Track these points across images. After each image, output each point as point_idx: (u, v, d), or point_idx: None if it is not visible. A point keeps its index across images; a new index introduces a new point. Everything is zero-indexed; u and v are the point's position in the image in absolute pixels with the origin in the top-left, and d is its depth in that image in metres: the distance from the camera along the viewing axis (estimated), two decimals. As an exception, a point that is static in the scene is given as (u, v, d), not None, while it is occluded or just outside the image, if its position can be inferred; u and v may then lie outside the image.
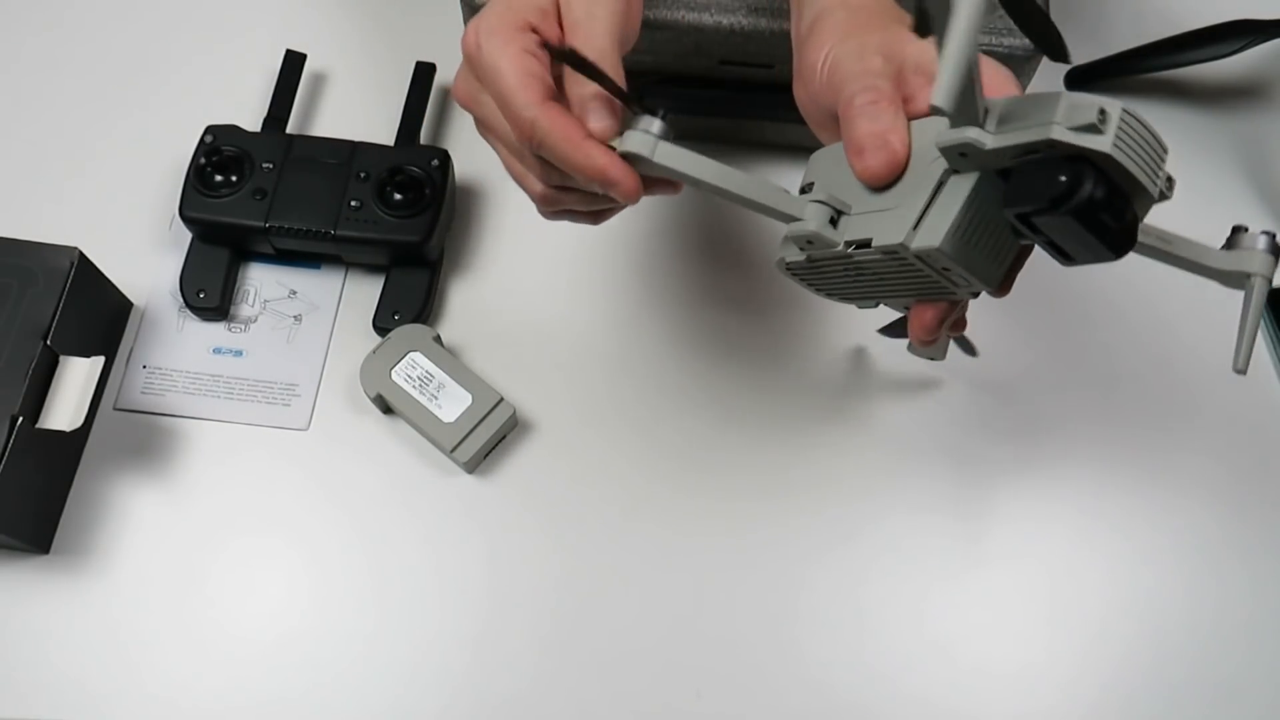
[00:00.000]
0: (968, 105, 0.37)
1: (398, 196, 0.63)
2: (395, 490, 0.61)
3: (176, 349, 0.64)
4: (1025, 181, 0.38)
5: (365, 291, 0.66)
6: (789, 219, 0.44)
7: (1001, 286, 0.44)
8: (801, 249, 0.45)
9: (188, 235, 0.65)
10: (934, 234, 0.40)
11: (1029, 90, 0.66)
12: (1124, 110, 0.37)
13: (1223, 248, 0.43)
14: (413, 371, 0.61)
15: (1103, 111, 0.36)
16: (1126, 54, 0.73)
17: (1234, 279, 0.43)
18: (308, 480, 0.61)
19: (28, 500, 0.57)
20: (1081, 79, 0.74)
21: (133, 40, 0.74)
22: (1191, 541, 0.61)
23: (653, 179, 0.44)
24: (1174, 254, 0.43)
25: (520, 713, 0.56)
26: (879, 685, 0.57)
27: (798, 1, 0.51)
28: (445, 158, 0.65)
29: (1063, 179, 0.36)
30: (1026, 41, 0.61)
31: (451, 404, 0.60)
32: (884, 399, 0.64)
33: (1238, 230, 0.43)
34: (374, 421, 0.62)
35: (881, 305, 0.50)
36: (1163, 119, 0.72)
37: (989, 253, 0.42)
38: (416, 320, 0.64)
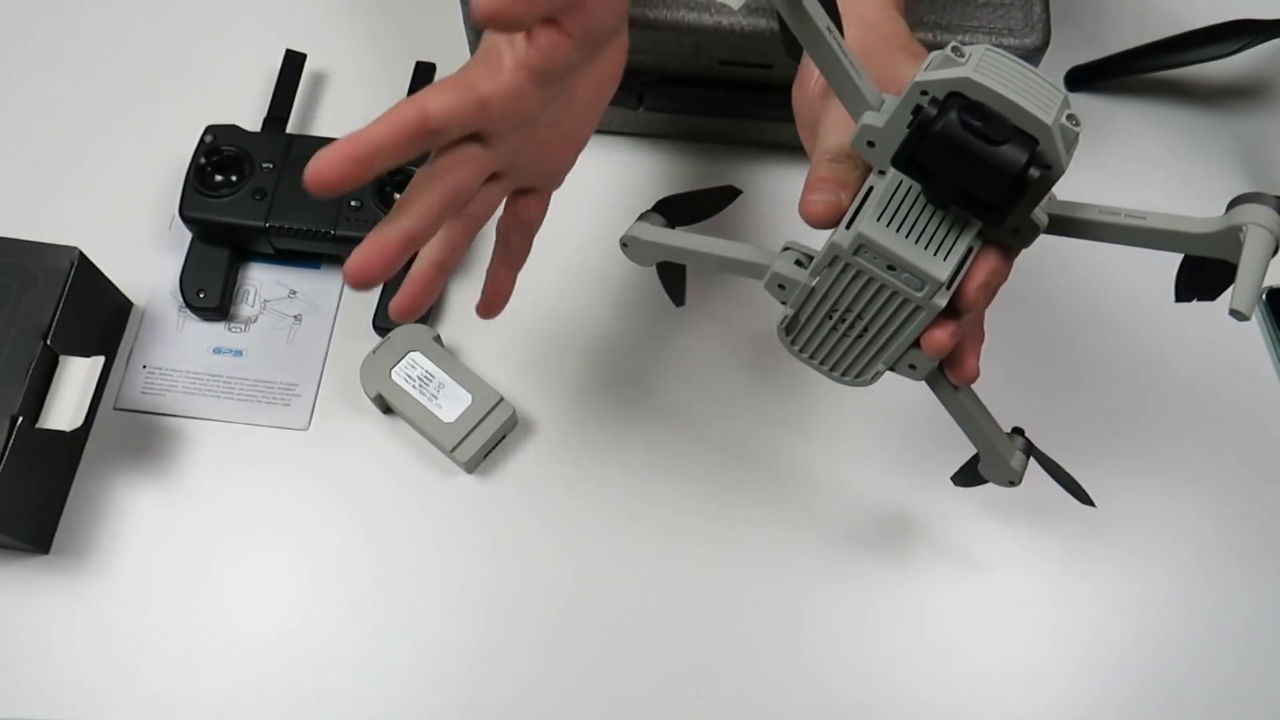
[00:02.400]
0: (853, 98, 0.40)
1: (398, 196, 0.63)
2: (395, 490, 0.61)
3: (176, 349, 0.64)
4: (909, 134, 0.39)
5: (365, 291, 0.66)
6: (764, 270, 0.45)
7: (963, 296, 0.42)
8: (783, 302, 0.46)
9: (188, 235, 0.65)
10: (859, 226, 0.41)
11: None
12: (988, 48, 0.38)
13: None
14: (413, 371, 0.61)
15: (958, 48, 0.38)
16: (1126, 54, 0.73)
17: (1225, 239, 0.40)
18: (307, 480, 0.61)
19: (28, 500, 0.57)
20: (1081, 79, 0.74)
21: (133, 40, 0.74)
22: (1191, 542, 0.61)
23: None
24: (1150, 228, 0.42)
25: (520, 713, 0.56)
26: (878, 686, 0.57)
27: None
28: (445, 158, 0.65)
29: (925, 107, 0.38)
30: (1027, 41, 0.61)
31: (451, 404, 0.60)
32: (885, 401, 0.64)
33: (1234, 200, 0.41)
34: (374, 421, 0.62)
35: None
36: (1163, 119, 0.73)
37: (928, 243, 0.41)
38: (416, 320, 0.64)
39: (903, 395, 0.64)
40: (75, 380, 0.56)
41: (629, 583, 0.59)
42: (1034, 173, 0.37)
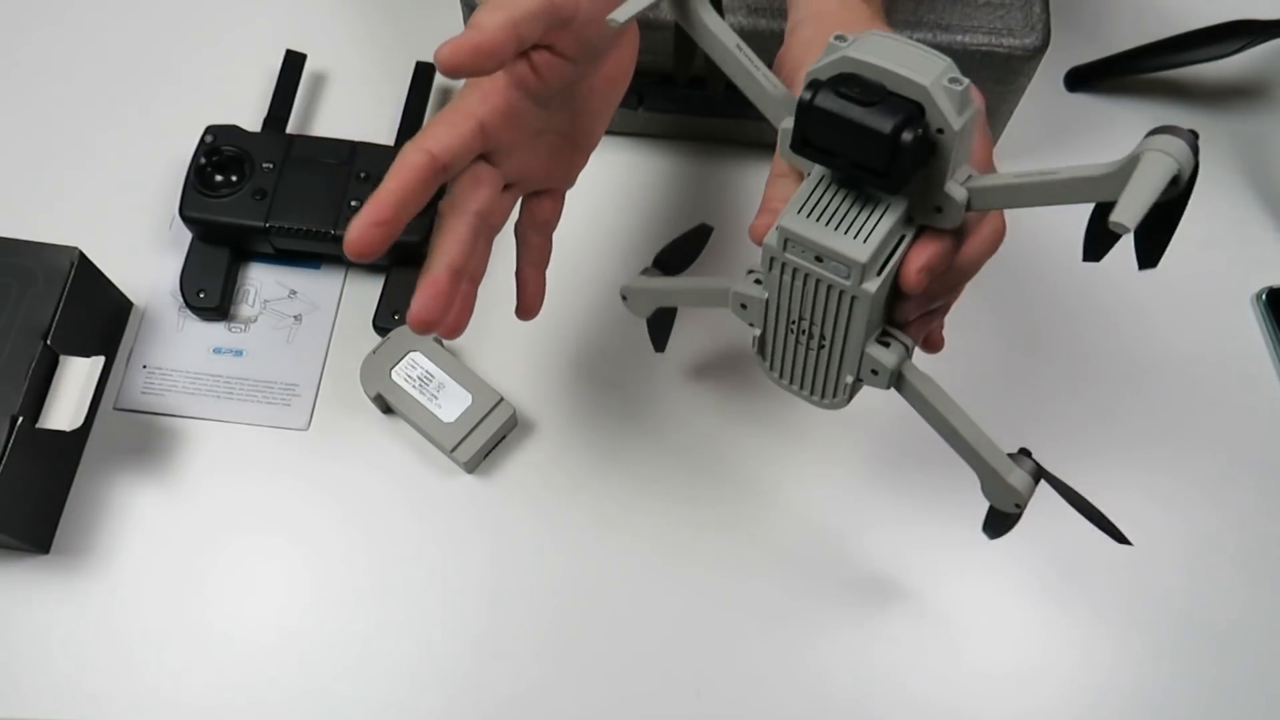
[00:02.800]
0: (771, 107, 0.43)
1: (398, 196, 0.63)
2: (395, 490, 0.61)
3: (176, 349, 0.64)
4: (796, 117, 0.40)
5: (365, 291, 0.66)
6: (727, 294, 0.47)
7: (904, 279, 0.43)
8: (750, 324, 0.47)
9: (188, 235, 0.65)
10: (781, 220, 0.42)
11: (1028, 91, 0.66)
12: (874, 31, 0.40)
13: None
14: (413, 371, 0.61)
15: (842, 35, 0.40)
16: (1126, 54, 0.73)
17: (1127, 173, 0.40)
18: (307, 480, 0.61)
19: (28, 500, 0.57)
20: (1081, 79, 0.74)
21: (133, 40, 0.74)
22: (1190, 541, 0.61)
23: None
24: (1060, 180, 0.41)
25: (520, 713, 0.56)
26: (879, 685, 0.57)
27: (790, 2, 0.51)
28: (445, 158, 0.65)
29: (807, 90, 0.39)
30: (1026, 41, 0.61)
31: (451, 404, 0.60)
32: (885, 401, 0.64)
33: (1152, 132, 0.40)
34: (374, 421, 0.62)
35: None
36: (1163, 119, 0.73)
37: (848, 228, 0.42)
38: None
39: (904, 401, 0.64)
40: (75, 380, 0.56)
41: (629, 583, 0.59)
42: (907, 135, 0.38)
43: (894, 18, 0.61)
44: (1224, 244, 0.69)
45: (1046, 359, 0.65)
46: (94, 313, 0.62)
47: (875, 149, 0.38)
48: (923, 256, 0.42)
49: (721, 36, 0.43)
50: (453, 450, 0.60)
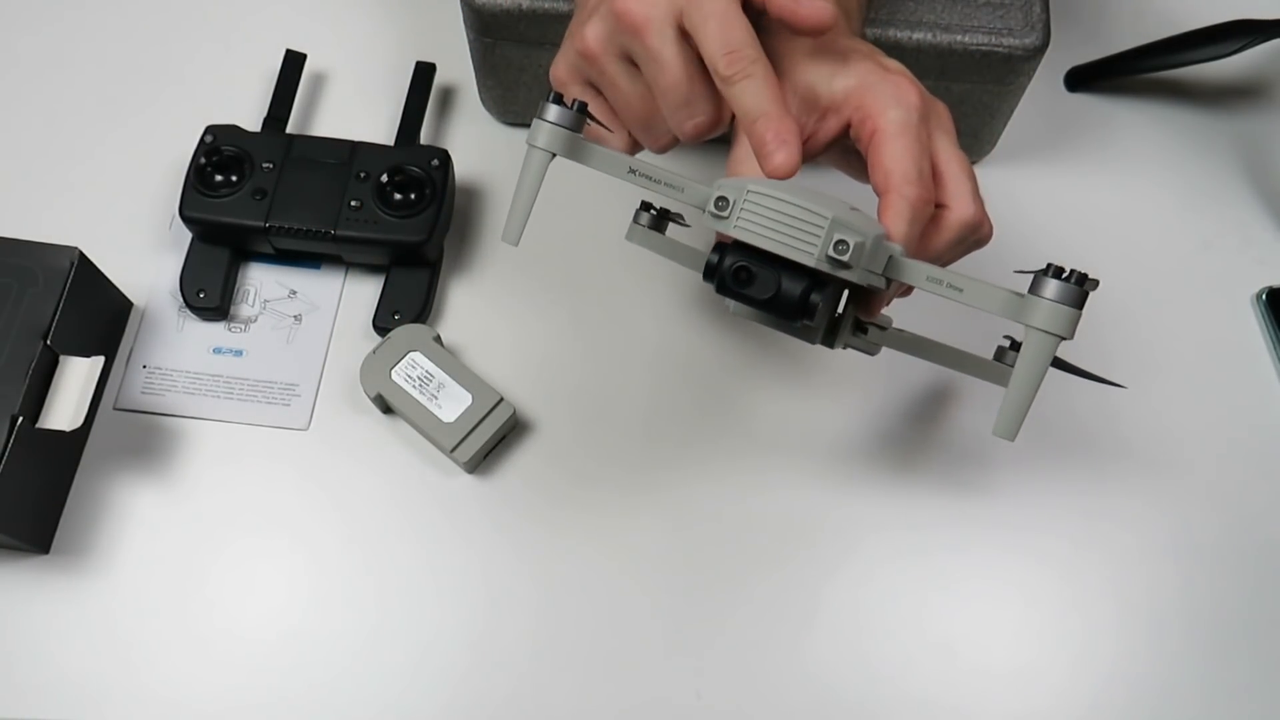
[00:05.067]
0: (690, 202, 0.45)
1: (398, 196, 0.63)
2: (395, 490, 0.61)
3: (176, 349, 0.64)
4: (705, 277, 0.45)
5: (365, 291, 0.66)
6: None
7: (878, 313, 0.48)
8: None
9: (188, 235, 0.65)
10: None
11: (1028, 91, 0.66)
12: (750, 185, 0.42)
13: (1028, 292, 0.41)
14: (413, 371, 0.61)
15: (722, 200, 0.42)
16: (1126, 54, 0.73)
17: (1015, 308, 0.41)
18: (308, 480, 0.61)
19: (28, 500, 0.57)
20: (1081, 79, 0.74)
21: (133, 40, 0.74)
22: (1191, 541, 0.61)
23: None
24: (963, 301, 0.42)
25: (520, 713, 0.56)
26: (879, 685, 0.57)
27: None
28: (445, 158, 0.65)
29: (709, 258, 0.43)
30: (1026, 41, 0.61)
31: (451, 404, 0.60)
32: (885, 400, 0.64)
33: (1045, 272, 0.40)
34: (374, 421, 0.63)
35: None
36: (1163, 119, 0.73)
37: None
38: (416, 320, 0.64)
39: (903, 401, 0.64)
40: (75, 380, 0.56)
41: (628, 583, 0.59)
42: (815, 298, 0.42)
43: (896, 17, 0.61)
44: (1224, 244, 0.69)
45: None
46: (94, 313, 0.62)
47: (789, 312, 0.43)
48: (876, 306, 0.47)
49: (614, 169, 0.45)
50: (453, 450, 0.60)
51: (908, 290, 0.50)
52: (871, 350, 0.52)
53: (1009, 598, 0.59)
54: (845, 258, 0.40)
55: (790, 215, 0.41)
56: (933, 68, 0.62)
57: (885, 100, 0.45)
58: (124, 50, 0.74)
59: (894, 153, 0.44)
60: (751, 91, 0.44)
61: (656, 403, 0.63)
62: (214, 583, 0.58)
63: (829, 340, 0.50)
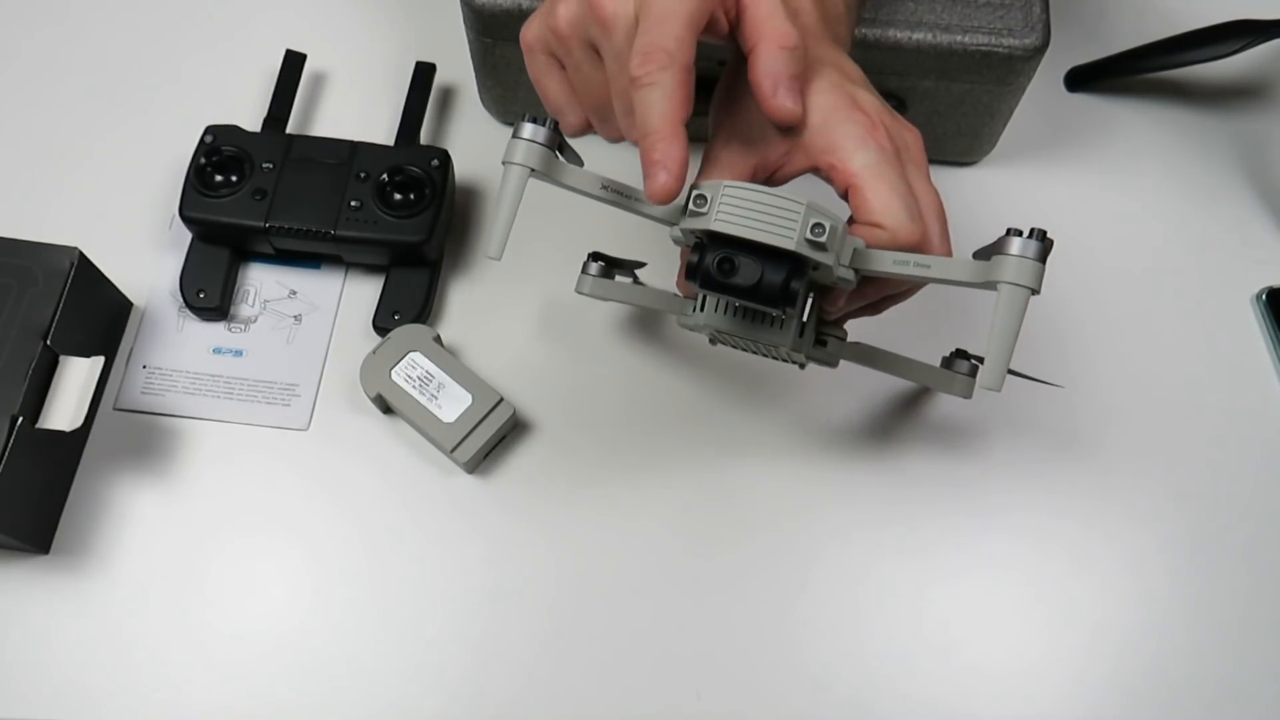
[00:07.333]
0: (659, 221, 0.48)
1: (398, 196, 0.63)
2: (395, 490, 0.61)
3: (176, 349, 0.64)
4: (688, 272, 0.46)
5: (365, 291, 0.66)
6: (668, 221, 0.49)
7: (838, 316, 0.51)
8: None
9: (188, 235, 0.65)
10: (704, 318, 0.51)
11: (1028, 91, 0.66)
12: (726, 185, 0.44)
13: (983, 251, 0.44)
14: (413, 371, 0.61)
15: (700, 197, 0.45)
16: (1126, 54, 0.73)
17: (983, 272, 0.43)
18: (307, 480, 0.61)
19: (28, 500, 0.57)
20: (1081, 79, 0.74)
21: (133, 40, 0.74)
22: (1191, 541, 0.61)
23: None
24: (934, 277, 0.45)
25: (520, 713, 0.56)
26: (879, 685, 0.57)
27: None
28: (445, 158, 0.65)
29: (691, 256, 0.45)
30: (1026, 41, 0.61)
31: (451, 404, 0.60)
32: (883, 401, 0.64)
33: (1005, 235, 0.43)
34: (374, 421, 0.62)
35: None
36: (1163, 119, 0.73)
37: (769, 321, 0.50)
38: (416, 320, 0.64)
39: (902, 402, 0.64)
40: (75, 380, 0.56)
41: (629, 583, 0.59)
42: (795, 285, 0.44)
43: (896, 17, 0.61)
44: (1224, 244, 0.69)
45: (1046, 359, 0.65)
46: (94, 313, 0.62)
47: (773, 299, 0.44)
48: (838, 299, 0.48)
49: (586, 185, 0.47)
50: (453, 450, 0.60)
51: (879, 308, 0.51)
52: (831, 362, 0.54)
53: (1009, 597, 0.59)
54: (822, 239, 0.43)
55: (767, 205, 0.43)
56: (933, 68, 0.62)
57: (851, 144, 0.46)
58: (124, 50, 0.74)
59: (881, 198, 0.45)
60: (650, 101, 0.42)
61: (657, 402, 0.63)
62: (214, 583, 0.58)
63: (798, 348, 0.51)
